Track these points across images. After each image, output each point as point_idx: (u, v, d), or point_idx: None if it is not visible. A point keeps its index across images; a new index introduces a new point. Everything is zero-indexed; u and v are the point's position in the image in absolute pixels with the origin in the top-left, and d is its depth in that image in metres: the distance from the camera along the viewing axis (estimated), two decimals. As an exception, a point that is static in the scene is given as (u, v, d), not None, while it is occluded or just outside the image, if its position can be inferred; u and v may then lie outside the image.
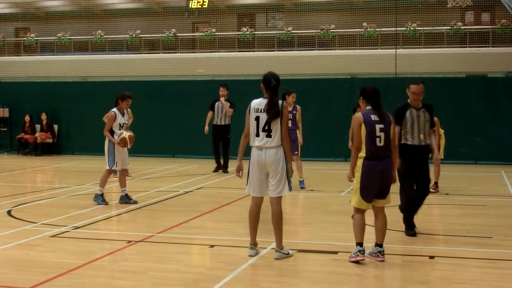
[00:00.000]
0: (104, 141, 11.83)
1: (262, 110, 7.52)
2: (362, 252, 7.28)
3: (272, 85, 7.51)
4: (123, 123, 11.78)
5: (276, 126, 7.50)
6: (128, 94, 11.97)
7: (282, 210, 7.63)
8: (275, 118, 7.46)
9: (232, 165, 14.20)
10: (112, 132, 11.69)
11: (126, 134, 11.57)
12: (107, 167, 11.72)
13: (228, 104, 16.80)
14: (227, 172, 16.82)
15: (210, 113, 17.06)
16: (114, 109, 11.82)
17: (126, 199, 11.70)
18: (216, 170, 17.14)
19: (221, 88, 17.06)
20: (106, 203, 11.55)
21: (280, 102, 7.55)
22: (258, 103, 7.60)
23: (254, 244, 7.73)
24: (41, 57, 33.15)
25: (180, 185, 14.54)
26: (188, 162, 19.74)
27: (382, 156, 7.28)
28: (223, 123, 16.89)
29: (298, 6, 35.47)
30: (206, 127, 16.99)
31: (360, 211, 7.39)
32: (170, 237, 8.84)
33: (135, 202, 11.68)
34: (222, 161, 17.01)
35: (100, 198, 11.61)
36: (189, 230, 9.44)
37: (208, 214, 10.80)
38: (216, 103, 16.95)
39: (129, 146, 11.75)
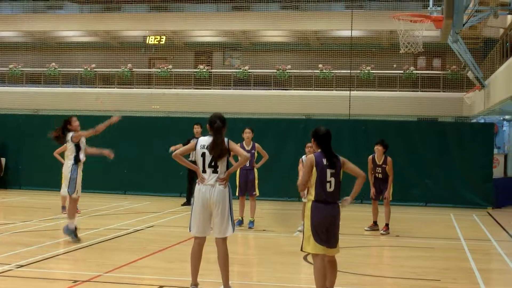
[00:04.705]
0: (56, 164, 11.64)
1: (208, 147, 7.58)
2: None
3: (215, 126, 7.59)
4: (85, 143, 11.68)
5: (222, 163, 7.57)
6: (74, 118, 11.83)
7: (228, 250, 7.62)
8: (220, 158, 7.56)
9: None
10: (78, 150, 11.45)
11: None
12: (68, 194, 11.38)
13: None
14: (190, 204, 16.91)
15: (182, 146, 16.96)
16: (72, 133, 11.61)
17: (71, 233, 11.26)
18: (185, 204, 17.43)
19: (195, 126, 17.17)
20: (78, 239, 11.20)
21: (225, 140, 7.61)
22: (206, 140, 7.67)
23: (195, 285, 7.69)
24: (-8, 88, 32.63)
25: (130, 222, 14.32)
26: (139, 199, 19.49)
27: (330, 202, 7.21)
28: None
29: (255, 45, 35.82)
30: (174, 147, 16.23)
31: (318, 257, 7.20)
32: (119, 277, 8.65)
33: (78, 241, 11.30)
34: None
35: (73, 233, 11.24)
36: (139, 270, 9.26)
37: (158, 253, 10.62)
38: (192, 140, 16.83)
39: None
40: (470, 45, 27.57)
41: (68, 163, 11.60)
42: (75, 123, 11.71)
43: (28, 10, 36.37)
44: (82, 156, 11.60)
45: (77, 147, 11.60)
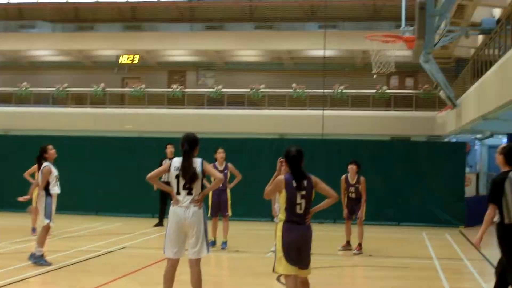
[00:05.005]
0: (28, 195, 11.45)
1: (180, 169, 7.55)
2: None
3: (183, 150, 7.59)
4: (58, 175, 11.46)
5: (196, 184, 7.54)
6: (50, 146, 11.66)
7: (201, 272, 7.55)
8: (192, 182, 7.51)
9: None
10: (48, 185, 11.27)
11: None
12: (45, 222, 11.20)
13: None
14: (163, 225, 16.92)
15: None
16: (47, 163, 11.42)
17: (40, 260, 11.08)
18: (157, 225, 17.33)
19: (168, 146, 17.08)
20: (49, 264, 11.00)
21: (198, 161, 7.57)
22: (179, 161, 7.62)
23: (168, 307, 7.61)
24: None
25: (102, 244, 14.12)
26: (112, 220, 19.26)
27: (301, 223, 7.16)
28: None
29: (229, 65, 35.92)
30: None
31: (290, 278, 7.13)
32: (88, 300, 8.51)
33: (50, 264, 11.12)
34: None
35: (42, 260, 11.02)
36: (109, 293, 9.12)
37: (130, 276, 10.49)
38: (164, 161, 16.72)
39: None
40: (442, 64, 27.86)
41: (41, 193, 11.37)
42: (51, 151, 11.56)
43: (0, 29, 36.13)
44: (55, 190, 11.39)
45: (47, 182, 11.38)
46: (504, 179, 7.56)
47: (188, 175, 7.47)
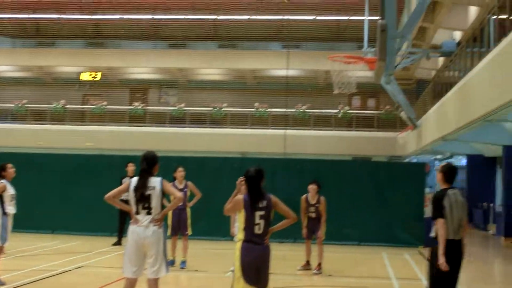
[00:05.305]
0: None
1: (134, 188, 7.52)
2: None
3: (140, 169, 7.55)
4: (14, 194, 11.17)
5: (156, 204, 7.44)
6: (10, 165, 11.40)
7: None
8: (145, 201, 7.45)
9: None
10: (2, 203, 10.98)
11: None
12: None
13: None
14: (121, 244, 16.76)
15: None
16: (3, 180, 11.15)
17: None
18: (116, 244, 17.11)
19: (129, 165, 16.95)
20: (4, 283, 10.69)
21: (158, 180, 7.50)
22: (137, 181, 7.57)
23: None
24: None
25: (58, 263, 13.83)
26: (69, 238, 18.91)
27: (260, 243, 7.11)
28: None
29: (192, 83, 35.86)
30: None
31: None
32: (41, 321, 8.28)
33: (4, 284, 10.84)
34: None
35: None
36: (63, 313, 8.90)
37: (85, 296, 10.26)
38: (124, 179, 16.50)
39: None
40: (404, 86, 28.23)
41: None
42: (10, 170, 11.31)
43: (-42, 44, 35.57)
44: (10, 209, 11.13)
45: (1, 200, 11.12)
46: (443, 196, 7.99)
47: (138, 193, 7.39)
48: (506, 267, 16.73)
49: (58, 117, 32.94)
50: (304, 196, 13.62)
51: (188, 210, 13.78)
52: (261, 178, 7.18)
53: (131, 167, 16.88)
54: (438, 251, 7.88)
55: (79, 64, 34.70)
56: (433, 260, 8.00)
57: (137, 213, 7.50)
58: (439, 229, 7.98)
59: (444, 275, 7.80)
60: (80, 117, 33.60)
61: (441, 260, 7.78)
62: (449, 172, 8.10)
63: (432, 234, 8.04)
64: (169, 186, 7.69)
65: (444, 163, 8.53)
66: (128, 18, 35.07)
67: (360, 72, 21.86)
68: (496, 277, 15.55)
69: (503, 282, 14.69)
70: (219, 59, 33.46)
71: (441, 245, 7.85)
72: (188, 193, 13.77)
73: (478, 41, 16.90)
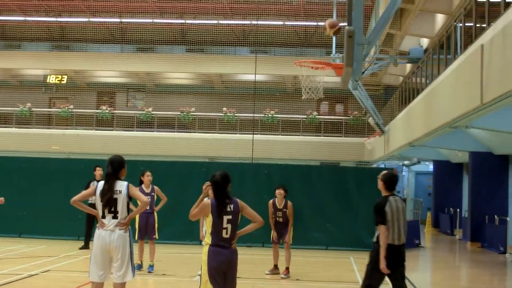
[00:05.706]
0: None
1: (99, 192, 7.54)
2: None
3: (106, 173, 7.58)
4: None
5: (122, 208, 7.45)
6: None
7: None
8: (110, 205, 7.47)
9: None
10: None
11: None
12: None
13: None
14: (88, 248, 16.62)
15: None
16: None
17: None
18: (83, 248, 17.02)
19: (96, 169, 16.87)
20: None
21: (124, 184, 7.54)
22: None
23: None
24: None
25: (24, 267, 13.66)
26: (35, 242, 18.69)
27: (227, 247, 7.12)
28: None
29: (159, 87, 35.71)
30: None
31: None
32: (6, 326, 8.17)
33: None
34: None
35: None
36: (28, 318, 8.79)
37: (51, 300, 10.15)
38: (92, 183, 16.35)
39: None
40: (371, 91, 28.50)
41: None
42: None
43: None
44: None
45: None
46: (385, 203, 8.41)
47: (105, 198, 7.39)
48: (473, 270, 16.96)
49: (24, 120, 32.56)
50: (271, 201, 13.64)
51: (156, 214, 13.76)
52: (227, 182, 7.21)
53: (98, 171, 16.78)
54: (379, 255, 8.19)
55: (45, 67, 34.33)
56: (372, 263, 8.37)
57: (103, 217, 7.49)
58: (381, 235, 8.29)
59: (378, 273, 8.17)
60: (47, 121, 33.25)
61: (382, 265, 8.04)
62: (390, 180, 8.58)
63: (374, 239, 8.24)
64: (135, 190, 7.68)
65: (384, 172, 8.78)
66: (96, 21, 34.80)
67: (328, 78, 21.96)
68: (462, 281, 15.74)
69: (469, 285, 14.88)
70: (187, 63, 33.37)
71: (383, 250, 8.05)
72: (155, 197, 13.74)
73: (444, 48, 17.14)
